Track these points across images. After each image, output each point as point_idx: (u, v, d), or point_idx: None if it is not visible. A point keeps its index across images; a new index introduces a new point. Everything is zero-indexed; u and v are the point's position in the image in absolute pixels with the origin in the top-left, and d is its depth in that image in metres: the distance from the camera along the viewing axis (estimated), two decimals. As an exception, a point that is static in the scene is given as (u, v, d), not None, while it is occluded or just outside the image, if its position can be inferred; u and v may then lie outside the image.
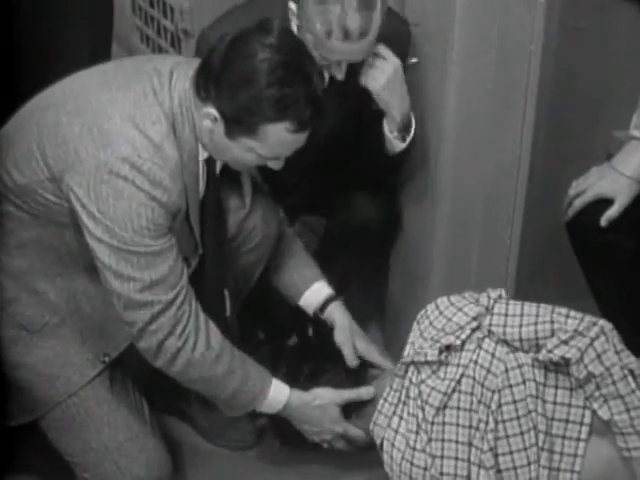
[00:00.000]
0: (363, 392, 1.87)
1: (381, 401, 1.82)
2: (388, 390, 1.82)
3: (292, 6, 1.87)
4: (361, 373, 1.96)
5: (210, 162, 1.77)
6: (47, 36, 2.06)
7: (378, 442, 1.79)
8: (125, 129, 1.61)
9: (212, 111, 1.62)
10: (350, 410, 1.89)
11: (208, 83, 1.61)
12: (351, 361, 1.95)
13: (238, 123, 1.61)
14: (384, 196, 2.20)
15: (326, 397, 1.86)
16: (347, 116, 2.07)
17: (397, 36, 2.02)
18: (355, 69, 1.94)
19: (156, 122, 1.63)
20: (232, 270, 1.96)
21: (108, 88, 1.66)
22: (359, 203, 2.16)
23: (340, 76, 1.94)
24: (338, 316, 2.00)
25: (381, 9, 1.82)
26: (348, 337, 1.97)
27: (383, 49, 1.93)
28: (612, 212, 1.88)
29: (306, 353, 2.06)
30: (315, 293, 2.01)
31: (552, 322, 1.62)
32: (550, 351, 1.59)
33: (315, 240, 2.34)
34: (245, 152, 1.66)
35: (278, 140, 1.62)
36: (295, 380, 1.87)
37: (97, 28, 1.92)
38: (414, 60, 2.03)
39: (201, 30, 2.01)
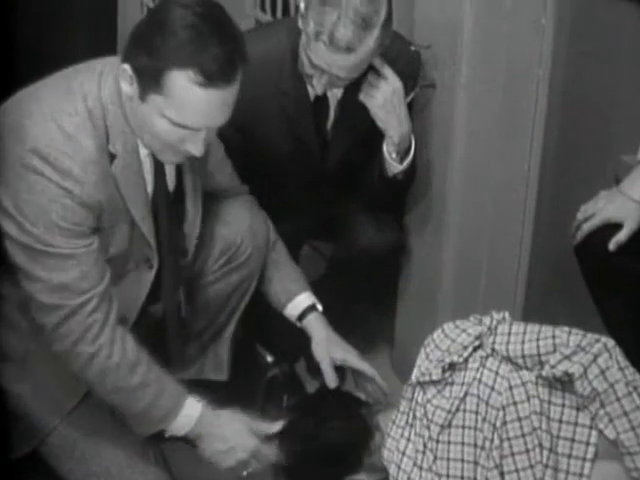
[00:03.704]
0: (270, 426, 1.84)
1: (390, 424, 1.82)
2: (396, 413, 1.82)
3: (301, 5, 1.90)
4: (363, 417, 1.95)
5: (158, 166, 1.75)
6: (48, 39, 2.07)
7: (388, 467, 1.79)
8: (41, 122, 1.60)
9: (126, 67, 1.59)
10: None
11: (127, 42, 1.60)
12: (330, 381, 1.95)
13: (146, 73, 1.57)
14: (388, 221, 2.21)
15: (236, 416, 1.82)
16: (356, 138, 2.09)
17: (408, 61, 2.05)
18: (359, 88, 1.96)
19: (73, 114, 1.61)
20: (226, 288, 1.98)
21: (40, 89, 1.67)
22: (362, 229, 2.16)
23: (319, 90, 1.96)
24: (315, 328, 1.99)
25: (378, 37, 1.84)
26: (325, 352, 1.97)
27: (385, 68, 1.96)
28: (621, 236, 1.88)
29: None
30: (296, 304, 2.02)
31: (554, 337, 1.62)
32: (553, 367, 1.59)
33: (323, 262, 2.34)
34: (157, 118, 1.59)
35: (183, 95, 1.56)
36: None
37: (100, 31, 1.93)
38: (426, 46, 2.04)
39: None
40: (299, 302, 2.02)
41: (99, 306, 1.66)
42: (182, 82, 1.55)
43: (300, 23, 1.89)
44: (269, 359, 2.26)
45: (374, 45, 1.85)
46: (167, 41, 1.55)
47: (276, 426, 1.84)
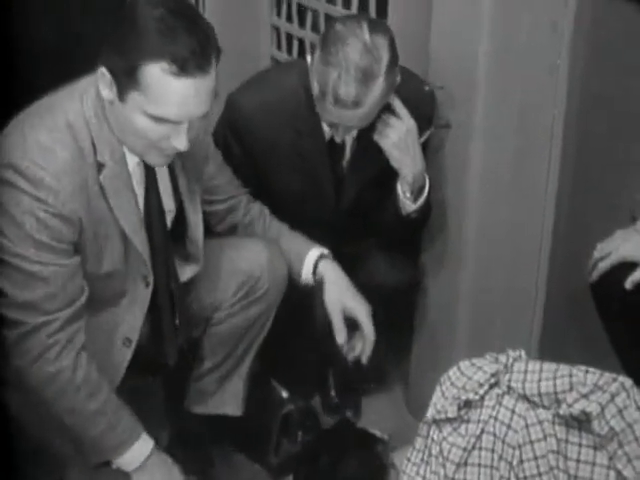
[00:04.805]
0: None
1: (405, 461, 1.81)
2: (411, 450, 1.81)
3: (309, 59, 1.92)
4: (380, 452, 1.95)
5: (149, 174, 1.77)
6: (66, 39, 2.07)
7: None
8: (18, 140, 1.63)
9: (103, 70, 1.61)
10: None
11: (103, 48, 1.62)
12: (340, 337, 1.94)
13: (122, 72, 1.58)
14: (402, 259, 2.21)
15: (176, 465, 1.84)
16: (370, 176, 2.11)
17: (422, 101, 2.07)
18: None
19: (51, 128, 1.63)
20: (242, 322, 1.99)
21: (24, 114, 1.69)
22: (376, 266, 2.17)
23: (337, 139, 1.99)
24: (326, 275, 1.99)
25: (384, 85, 1.85)
26: (336, 302, 1.96)
27: (400, 107, 1.97)
28: (637, 275, 1.87)
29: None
30: (307, 265, 2.02)
31: (571, 376, 1.61)
32: (570, 405, 1.58)
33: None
34: (138, 116, 1.61)
35: (160, 87, 1.57)
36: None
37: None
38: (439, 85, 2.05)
39: (229, 94, 2.06)
40: (309, 261, 2.02)
41: (63, 329, 1.67)
42: (157, 74, 1.57)
43: (310, 77, 1.91)
44: (284, 395, 2.27)
45: (381, 93, 1.86)
46: (137, 36, 1.57)
47: None
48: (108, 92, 1.63)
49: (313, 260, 2.02)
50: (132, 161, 1.73)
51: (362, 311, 1.98)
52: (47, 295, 1.65)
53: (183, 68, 1.56)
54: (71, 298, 1.68)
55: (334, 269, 2.01)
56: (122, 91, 1.61)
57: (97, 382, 1.72)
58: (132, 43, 1.57)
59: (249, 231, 2.06)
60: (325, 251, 2.04)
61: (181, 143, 1.65)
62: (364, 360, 2.00)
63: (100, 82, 1.63)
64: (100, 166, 1.67)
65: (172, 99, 1.59)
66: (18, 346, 1.66)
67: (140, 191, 1.77)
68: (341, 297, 1.98)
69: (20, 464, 1.69)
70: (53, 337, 1.66)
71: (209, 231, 1.97)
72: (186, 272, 1.93)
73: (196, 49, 1.57)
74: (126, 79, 1.59)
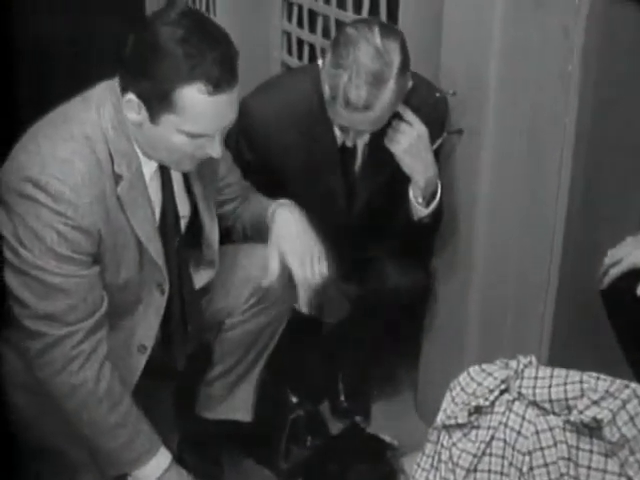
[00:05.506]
0: None
1: (414, 467, 1.81)
2: (421, 456, 1.80)
3: (320, 63, 1.93)
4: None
5: (165, 183, 1.78)
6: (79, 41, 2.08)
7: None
8: (34, 152, 1.63)
9: (131, 97, 1.62)
10: None
11: (122, 71, 1.63)
12: (270, 277, 1.85)
13: (154, 97, 1.60)
14: (414, 265, 2.21)
15: (190, 477, 1.84)
16: (382, 181, 2.11)
17: (434, 107, 2.07)
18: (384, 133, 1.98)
19: (68, 139, 1.64)
20: (252, 329, 1.99)
21: (38, 125, 1.70)
22: (388, 272, 2.17)
23: (349, 143, 1.99)
24: (275, 219, 1.91)
25: (395, 88, 1.85)
26: (272, 246, 1.87)
27: (409, 114, 1.97)
28: (648, 282, 1.88)
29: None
30: (269, 220, 1.94)
31: (581, 382, 1.60)
32: (581, 412, 1.57)
33: (348, 304, 2.34)
34: (174, 135, 1.64)
35: (196, 107, 1.60)
36: None
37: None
38: (451, 92, 2.05)
39: (242, 99, 2.07)
40: (270, 215, 1.94)
41: (86, 339, 1.67)
42: (192, 96, 1.59)
43: (322, 80, 1.91)
44: (293, 400, 2.27)
45: (391, 96, 1.86)
46: (165, 62, 1.58)
47: None
48: (136, 116, 1.64)
49: (272, 212, 1.95)
50: (149, 170, 1.74)
51: (292, 256, 1.86)
52: (69, 307, 1.66)
53: (217, 85, 1.59)
54: (92, 309, 1.69)
55: (285, 213, 1.92)
56: (154, 115, 1.63)
57: (119, 394, 1.73)
58: (161, 69, 1.58)
59: (237, 217, 2.06)
60: (286, 201, 1.96)
61: (216, 151, 1.70)
62: (304, 310, 1.89)
63: (126, 107, 1.64)
64: (118, 178, 1.68)
65: (209, 116, 1.63)
66: (41, 358, 1.66)
67: (156, 199, 1.78)
68: (279, 240, 1.89)
69: (23, 464, 1.69)
70: (77, 348, 1.67)
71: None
72: (202, 277, 1.94)
73: (224, 63, 1.60)
74: (158, 103, 1.61)
